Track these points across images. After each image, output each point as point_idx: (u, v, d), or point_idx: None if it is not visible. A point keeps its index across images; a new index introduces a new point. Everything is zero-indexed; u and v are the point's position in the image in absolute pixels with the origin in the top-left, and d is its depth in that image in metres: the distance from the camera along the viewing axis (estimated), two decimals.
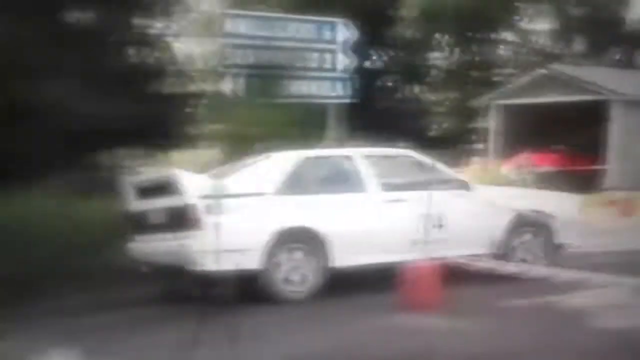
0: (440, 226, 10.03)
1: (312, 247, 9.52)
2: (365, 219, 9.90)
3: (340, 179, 10.12)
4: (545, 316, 8.48)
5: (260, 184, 9.61)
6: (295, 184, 9.73)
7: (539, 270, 8.38)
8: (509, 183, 17.74)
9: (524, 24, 40.48)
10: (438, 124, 35.89)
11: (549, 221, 10.64)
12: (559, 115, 29.12)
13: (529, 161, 23.15)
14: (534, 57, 38.52)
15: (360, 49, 15.68)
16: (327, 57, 15.04)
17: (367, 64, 35.65)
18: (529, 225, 10.58)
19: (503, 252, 10.37)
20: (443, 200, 10.00)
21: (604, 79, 27.19)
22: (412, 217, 9.85)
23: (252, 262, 9.15)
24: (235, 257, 8.91)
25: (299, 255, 9.52)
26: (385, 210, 9.98)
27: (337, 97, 15.11)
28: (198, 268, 9.01)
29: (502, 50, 40.61)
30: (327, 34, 15.03)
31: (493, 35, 39.30)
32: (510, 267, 9.07)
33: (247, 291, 8.93)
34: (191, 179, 9.31)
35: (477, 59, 38.34)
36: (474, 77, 37.39)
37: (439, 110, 36.46)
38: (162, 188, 9.55)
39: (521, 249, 10.58)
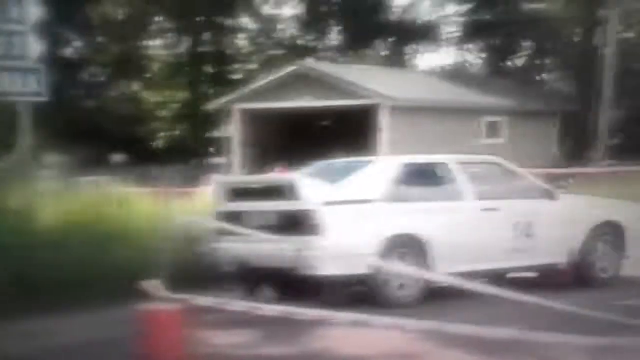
0: (528, 235, 12.20)
1: (416, 254, 11.42)
2: (462, 227, 11.85)
3: (438, 186, 12.18)
4: None
5: (367, 190, 11.58)
6: (399, 190, 11.70)
7: (308, 312, 8.39)
8: None
9: (268, 9, 41.34)
10: (165, 132, 35.72)
11: (624, 232, 12.95)
12: (317, 123, 29.95)
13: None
14: (282, 51, 39.44)
15: (55, 33, 15.03)
16: (15, 42, 14.28)
17: (68, 52, 34.81)
18: (607, 235, 12.87)
19: (582, 261, 12.60)
20: (531, 209, 12.32)
21: (369, 79, 28.25)
22: (505, 226, 12.08)
23: (363, 267, 10.78)
24: (347, 262, 10.93)
25: (406, 261, 11.26)
26: (480, 218, 12.02)
27: (30, 94, 14.39)
28: (312, 272, 10.95)
29: (241, 41, 41.20)
30: (13, 12, 14.26)
31: (229, 22, 39.76)
32: (273, 309, 9.04)
33: (356, 295, 11.17)
34: (310, 184, 11.25)
35: (210, 50, 38.59)
36: (208, 73, 37.63)
37: (164, 115, 36.31)
38: (274, 191, 11.56)
39: (599, 259, 12.78)
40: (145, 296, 8.67)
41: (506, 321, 8.22)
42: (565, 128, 31.04)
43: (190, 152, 32.50)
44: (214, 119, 32.53)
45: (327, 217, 11.01)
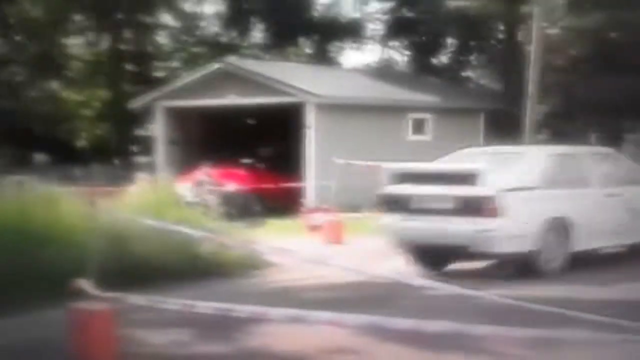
0: (635, 216, 15.13)
1: (565, 233, 14.01)
2: (593, 210, 14.52)
3: (575, 174, 14.61)
4: None
5: (529, 178, 13.96)
6: (550, 178, 14.11)
7: (244, 309, 8.39)
8: (185, 204, 17.75)
9: (189, 6, 41.13)
10: (87, 131, 35.33)
11: None
12: (243, 120, 29.92)
13: (209, 178, 23.37)
14: (204, 49, 39.29)
15: None
16: None
17: None
18: None
19: None
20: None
21: (294, 76, 28.30)
22: (621, 209, 14.92)
23: (528, 245, 13.54)
24: (517, 241, 13.49)
25: (557, 239, 13.91)
26: (604, 202, 14.75)
27: None
28: (488, 249, 13.47)
29: (162, 39, 40.96)
30: None
31: (150, 19, 39.48)
32: (211, 306, 9.01)
33: (518, 268, 13.68)
34: (489, 173, 13.46)
35: (131, 48, 38.29)
36: (129, 71, 37.32)
37: (86, 114, 35.91)
38: (452, 178, 13.87)
39: None
40: (77, 295, 8.61)
41: None
42: (491, 125, 31.42)
43: (113, 151, 32.21)
44: (137, 118, 32.28)
45: (503, 202, 13.36)
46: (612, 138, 30.73)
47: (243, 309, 8.11)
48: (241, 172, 25.82)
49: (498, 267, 14.34)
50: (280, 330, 9.13)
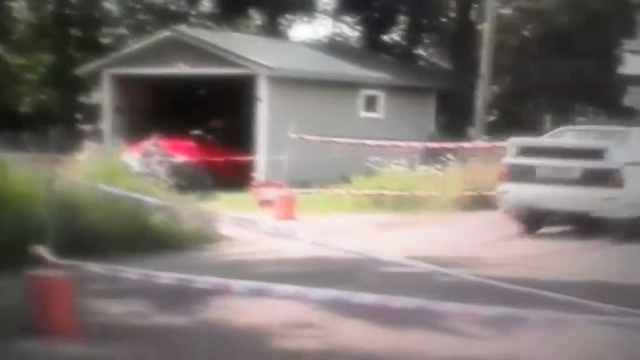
0: None
1: None
2: None
3: None
4: (213, 336, 8.75)
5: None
6: None
7: (206, 280, 8.40)
8: (133, 175, 17.67)
9: None
10: (31, 96, 34.88)
11: None
12: (194, 91, 29.77)
13: (158, 149, 23.22)
14: (152, 16, 38.97)
15: None
16: None
17: None
18: None
19: None
20: None
21: (247, 48, 28.21)
22: None
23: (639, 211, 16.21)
24: (633, 208, 16.11)
25: None
26: None
27: None
28: (612, 215, 16.15)
29: (110, 4, 40.54)
30: None
31: None
32: (169, 277, 8.99)
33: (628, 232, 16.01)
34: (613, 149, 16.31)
35: (77, 13, 37.86)
36: (75, 36, 36.89)
37: (30, 78, 35.46)
38: (578, 152, 16.58)
39: None
40: (35, 263, 8.57)
41: None
42: (443, 104, 31.63)
43: (57, 118, 31.84)
44: (83, 84, 31.95)
45: (626, 174, 16.11)
46: (564, 121, 31.10)
47: (204, 280, 8.14)
48: (191, 143, 25.69)
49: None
50: (241, 303, 9.15)
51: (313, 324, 8.90)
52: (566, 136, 18.01)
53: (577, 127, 19.03)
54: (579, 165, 16.38)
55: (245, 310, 9.24)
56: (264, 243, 13.46)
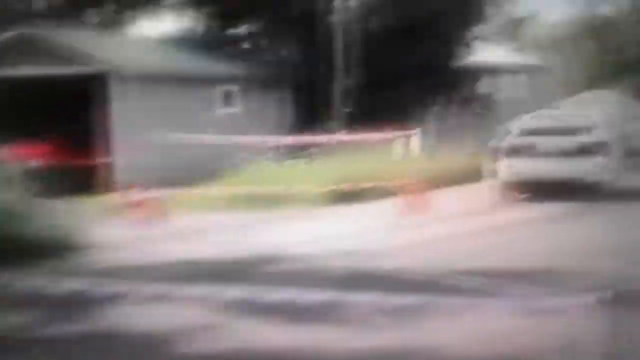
0: None
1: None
2: None
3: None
4: (110, 344, 8.65)
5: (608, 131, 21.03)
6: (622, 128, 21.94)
7: (95, 288, 8.33)
8: None
9: None
10: None
11: None
12: (40, 92, 29.10)
13: (11, 153, 22.62)
14: None
15: None
16: None
17: None
18: None
19: None
20: None
21: (95, 46, 27.78)
22: None
23: (614, 174, 20.61)
24: (612, 172, 20.42)
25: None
26: None
27: None
28: (599, 179, 20.03)
29: None
30: None
31: None
32: (63, 288, 8.89)
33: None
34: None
35: None
36: None
37: None
38: (571, 129, 20.62)
39: None
40: None
41: None
42: (300, 97, 31.83)
43: None
44: None
45: (611, 147, 20.40)
46: (417, 112, 31.75)
47: (103, 289, 8.05)
48: (43, 147, 25.20)
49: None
50: (139, 309, 9.06)
51: (211, 325, 8.87)
52: (538, 116, 22.15)
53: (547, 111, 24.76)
54: (572, 139, 20.21)
55: (144, 316, 9.13)
56: (143, 247, 13.33)
